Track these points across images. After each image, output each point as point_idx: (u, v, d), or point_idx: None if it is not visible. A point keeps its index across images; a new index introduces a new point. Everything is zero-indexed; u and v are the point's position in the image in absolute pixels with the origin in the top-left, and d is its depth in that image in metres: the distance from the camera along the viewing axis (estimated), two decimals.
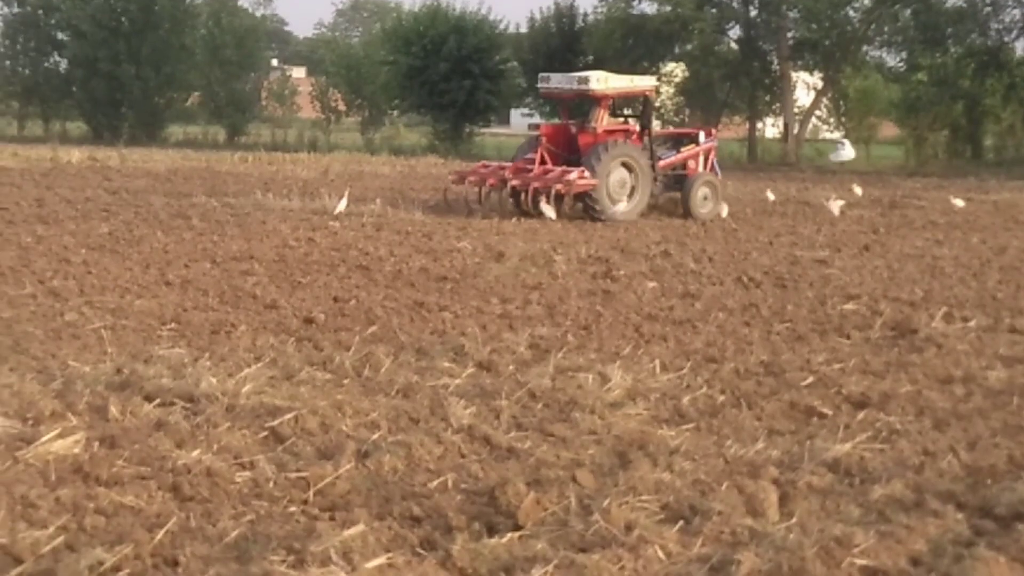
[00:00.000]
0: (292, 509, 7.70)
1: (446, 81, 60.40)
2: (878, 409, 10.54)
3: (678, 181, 29.25)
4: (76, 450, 8.45)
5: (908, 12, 56.68)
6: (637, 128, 28.98)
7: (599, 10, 64.67)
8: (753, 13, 60.93)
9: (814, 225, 26.98)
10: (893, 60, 60.45)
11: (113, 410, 9.54)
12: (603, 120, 28.47)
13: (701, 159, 29.96)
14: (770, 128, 68.42)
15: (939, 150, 56.99)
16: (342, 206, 26.64)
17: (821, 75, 61.62)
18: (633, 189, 27.80)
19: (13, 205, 26.61)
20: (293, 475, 8.21)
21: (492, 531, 7.32)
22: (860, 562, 6.83)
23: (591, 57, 62.98)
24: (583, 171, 26.95)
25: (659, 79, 64.92)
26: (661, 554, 6.88)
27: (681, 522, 7.42)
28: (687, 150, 29.91)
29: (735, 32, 62.30)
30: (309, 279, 17.34)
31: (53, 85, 78.37)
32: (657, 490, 7.96)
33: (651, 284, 17.57)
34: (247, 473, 8.26)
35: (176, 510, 7.54)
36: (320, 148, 61.81)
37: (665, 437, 9.44)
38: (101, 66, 71.57)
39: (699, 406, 10.62)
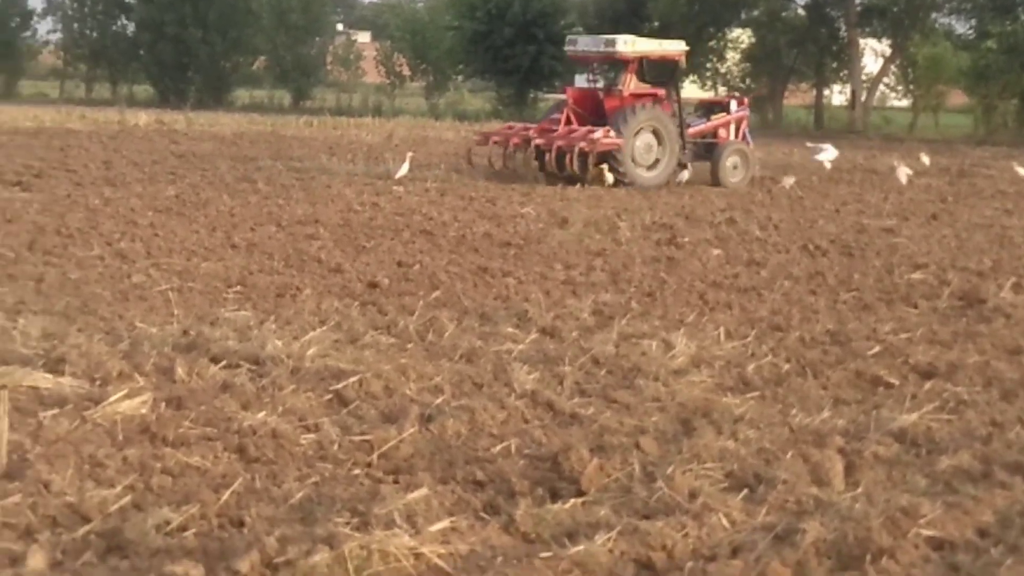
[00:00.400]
0: (356, 472, 7.72)
1: (510, 46, 60.33)
2: (945, 379, 10.46)
3: (708, 149, 28.97)
4: (143, 411, 8.50)
5: None
6: (665, 94, 28.56)
7: None
8: None
9: (881, 193, 26.80)
10: (962, 27, 60.13)
11: (180, 371, 9.59)
12: (630, 84, 28.11)
13: (732, 127, 29.66)
14: (837, 95, 67.93)
15: (1009, 119, 56.30)
16: (404, 170, 26.63)
17: (889, 42, 61.15)
18: (659, 155, 27.54)
19: (81, 168, 26.79)
20: (357, 438, 8.23)
21: (555, 496, 7.32)
22: (926, 533, 6.78)
23: (656, 23, 62.67)
24: (608, 130, 26.76)
25: (725, 45, 64.76)
26: (725, 522, 6.86)
27: (745, 490, 7.39)
28: (717, 118, 29.66)
29: None
30: (373, 243, 17.37)
31: (121, 48, 78.82)
32: (721, 458, 7.93)
33: (716, 251, 17.50)
34: (312, 435, 8.29)
35: (241, 471, 7.57)
36: (384, 113, 61.97)
37: (729, 405, 9.40)
38: (168, 30, 71.91)
39: (764, 374, 10.57)
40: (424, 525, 6.60)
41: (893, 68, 62.13)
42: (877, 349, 11.49)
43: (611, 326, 12.05)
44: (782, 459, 7.95)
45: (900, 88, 65.20)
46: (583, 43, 29.85)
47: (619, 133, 26.78)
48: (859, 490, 7.53)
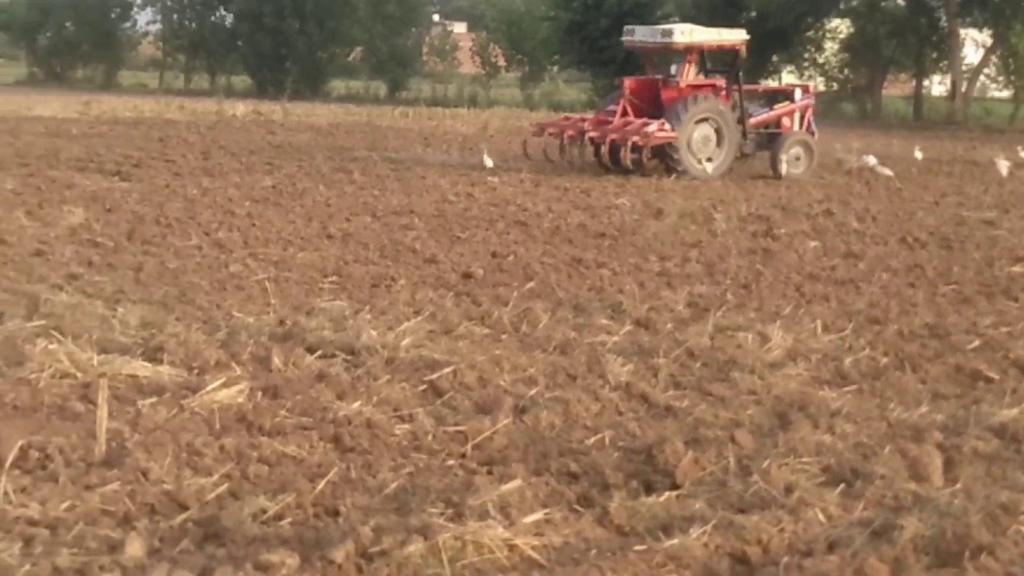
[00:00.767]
0: (450, 463, 7.73)
1: (606, 37, 60.13)
2: None
3: (772, 139, 28.40)
4: (240, 400, 8.57)
5: None
6: (724, 84, 28.04)
7: None
8: None
9: (981, 185, 26.53)
10: None
11: (276, 361, 9.64)
12: (688, 74, 27.67)
13: (796, 117, 29.00)
14: (937, 86, 67.22)
15: None
16: (489, 163, 26.70)
17: (990, 32, 60.40)
18: (718, 146, 27.10)
19: (180, 158, 27.06)
20: (451, 429, 8.25)
21: (649, 489, 7.29)
22: None
23: (754, 13, 62.43)
24: (663, 123, 26.35)
25: (823, 35, 64.27)
26: (821, 517, 6.81)
27: (842, 485, 7.32)
28: (780, 107, 29.01)
29: None
30: (468, 234, 17.40)
31: (219, 39, 79.53)
32: (818, 452, 7.87)
33: (813, 243, 17.37)
34: (406, 426, 8.31)
35: (337, 461, 7.60)
36: (480, 103, 62.14)
37: (826, 399, 9.32)
38: (266, 21, 72.42)
39: (861, 368, 10.47)
40: (518, 517, 6.60)
41: (994, 58, 61.31)
42: (977, 343, 11.36)
43: (706, 318, 12.00)
44: (879, 454, 7.88)
45: (1001, 79, 64.28)
46: (640, 33, 29.28)
47: (675, 125, 26.38)
48: (958, 486, 7.45)
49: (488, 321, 11.71)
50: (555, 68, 74.51)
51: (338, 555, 6.03)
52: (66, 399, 8.49)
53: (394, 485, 7.21)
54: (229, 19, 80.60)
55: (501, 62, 78.54)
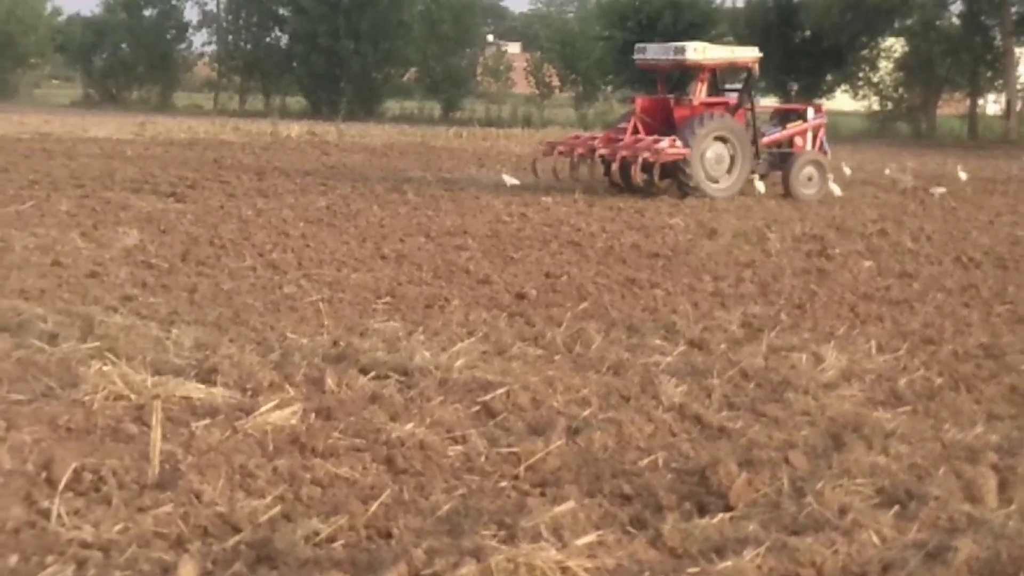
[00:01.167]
0: (503, 484, 7.72)
1: None
2: None
3: (784, 159, 28.06)
4: (293, 421, 8.57)
5: None
6: (737, 102, 27.73)
7: None
8: None
9: None
10: None
11: (329, 382, 9.65)
12: (701, 92, 27.42)
13: (809, 136, 28.72)
14: (991, 105, 66.92)
15: None
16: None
17: None
18: (731, 165, 26.74)
19: (234, 179, 27.21)
20: (504, 450, 8.24)
21: (703, 511, 7.26)
22: None
23: (808, 32, 62.38)
24: (674, 140, 26.04)
25: (877, 54, 64.08)
26: (876, 539, 6.76)
27: (897, 506, 7.27)
28: (793, 126, 28.75)
29: (957, 6, 61.14)
30: (521, 254, 17.41)
31: (274, 60, 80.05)
32: (872, 473, 7.82)
33: (867, 263, 17.30)
34: (459, 447, 8.31)
35: (390, 482, 7.60)
36: (534, 123, 62.20)
37: (881, 420, 9.27)
38: (321, 41, 72.84)
39: (916, 388, 10.41)
40: (571, 539, 6.58)
41: None
42: None
43: (760, 339, 11.96)
44: (934, 475, 7.82)
45: None
46: (652, 51, 29.02)
47: (687, 143, 26.07)
48: (1013, 507, 7.39)
49: (541, 342, 11.69)
50: (609, 88, 74.50)
51: None
52: (120, 421, 8.52)
53: (447, 507, 7.21)
54: (284, 40, 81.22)
55: (555, 82, 78.61)
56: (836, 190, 27.51)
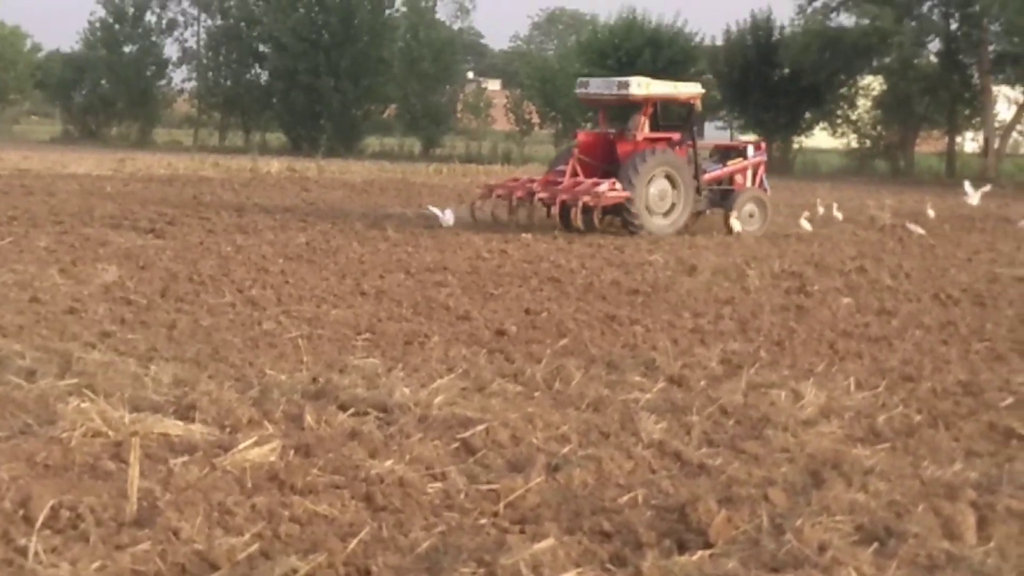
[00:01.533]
0: (483, 521, 7.70)
1: None
2: None
3: (724, 196, 27.94)
4: (272, 458, 8.55)
5: None
6: (679, 138, 27.52)
7: (796, 23, 64.39)
8: (954, 27, 59.99)
9: (1014, 242, 26.44)
10: None
11: (308, 419, 9.64)
12: (644, 127, 27.15)
13: (749, 173, 28.62)
14: (969, 142, 67.23)
15: None
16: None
17: (1023, 89, 60.40)
18: (674, 201, 26.51)
19: (214, 215, 27.21)
20: (484, 487, 8.22)
21: (682, 548, 7.25)
22: None
23: (787, 70, 62.70)
24: (614, 183, 25.74)
25: (856, 92, 64.36)
26: (855, 575, 6.77)
27: (876, 544, 7.27)
28: (734, 164, 28.62)
29: (935, 45, 61.44)
30: (501, 291, 17.42)
31: (254, 96, 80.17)
32: (851, 510, 7.82)
33: (846, 300, 17.32)
34: (439, 484, 8.29)
35: (369, 520, 7.58)
36: (514, 160, 62.34)
37: (860, 456, 9.27)
38: (301, 78, 73.00)
39: (895, 425, 10.42)
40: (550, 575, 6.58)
41: None
42: (1010, 400, 11.30)
43: (739, 375, 11.97)
44: (913, 512, 7.82)
45: None
46: (595, 85, 28.80)
47: (631, 179, 25.80)
48: (991, 544, 7.40)
49: (521, 378, 11.69)
50: (588, 125, 74.70)
51: None
52: (98, 458, 8.50)
53: (426, 544, 7.19)
54: (264, 76, 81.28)
55: (535, 119, 78.82)
56: (807, 226, 27.55)
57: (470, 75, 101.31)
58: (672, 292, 17.71)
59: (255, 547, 7.00)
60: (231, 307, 15.39)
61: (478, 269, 19.59)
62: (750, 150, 29.24)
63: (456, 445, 9.24)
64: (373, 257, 20.69)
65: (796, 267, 20.90)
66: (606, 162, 27.23)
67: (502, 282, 18.26)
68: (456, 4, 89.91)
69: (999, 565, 6.89)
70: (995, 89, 60.47)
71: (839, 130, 67.18)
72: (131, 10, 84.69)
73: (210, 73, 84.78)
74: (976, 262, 22.63)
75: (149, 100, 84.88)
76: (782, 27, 66.13)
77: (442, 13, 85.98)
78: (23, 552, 6.72)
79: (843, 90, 65.98)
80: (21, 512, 7.28)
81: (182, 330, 13.69)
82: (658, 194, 26.33)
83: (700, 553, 7.08)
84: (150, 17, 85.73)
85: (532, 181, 27.60)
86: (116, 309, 14.92)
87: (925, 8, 60.68)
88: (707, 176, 27.82)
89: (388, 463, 8.53)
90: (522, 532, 7.46)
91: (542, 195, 26.50)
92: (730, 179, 28.53)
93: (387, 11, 77.30)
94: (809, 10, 62.95)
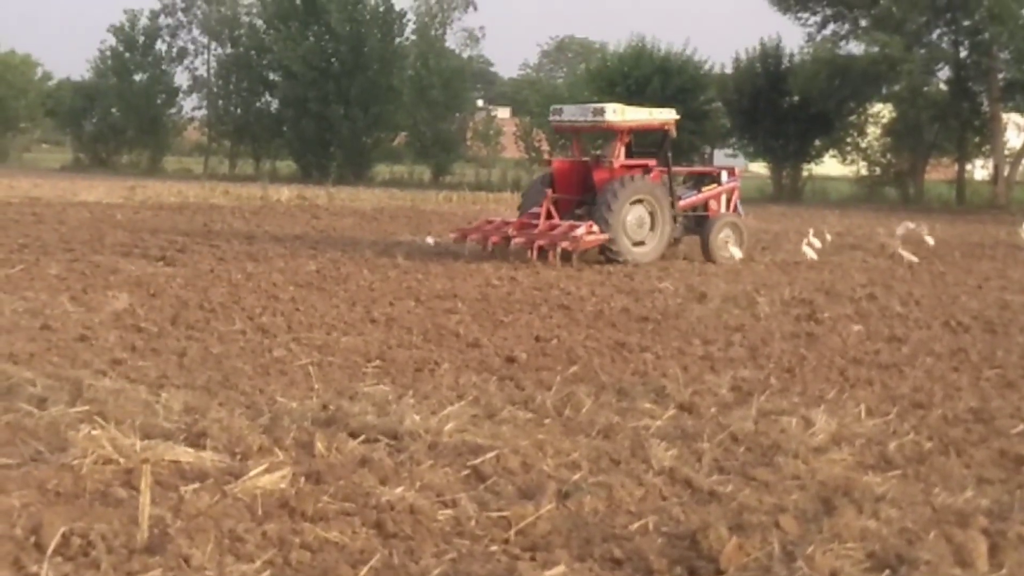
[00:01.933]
0: (493, 548, 7.70)
1: None
2: None
3: (699, 222, 27.71)
4: (283, 485, 8.55)
5: None
6: (656, 165, 27.21)
7: (805, 51, 64.35)
8: (963, 54, 59.97)
9: None
10: None
11: (319, 446, 9.64)
12: (620, 154, 26.87)
13: (723, 199, 28.42)
14: (979, 170, 67.19)
15: None
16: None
17: None
18: (652, 229, 26.22)
19: (224, 242, 27.24)
20: (494, 514, 8.22)
21: (693, 575, 7.24)
22: None
23: (796, 97, 62.73)
24: (591, 225, 25.25)
25: (865, 120, 64.36)
26: None
27: (887, 571, 7.26)
28: (708, 190, 28.39)
29: (944, 73, 61.38)
30: (511, 318, 17.42)
31: (264, 125, 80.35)
32: (863, 538, 7.81)
33: (856, 327, 17.30)
34: (449, 511, 8.29)
35: (379, 547, 7.58)
36: (523, 188, 62.19)
37: (871, 484, 9.26)
38: (311, 106, 73.16)
39: (906, 452, 10.40)
40: None
41: None
42: (1021, 427, 11.28)
43: (750, 402, 11.95)
44: (924, 539, 7.81)
45: None
46: (569, 112, 28.41)
47: (609, 207, 25.43)
48: (1003, 571, 7.39)
49: (531, 405, 11.68)
50: (598, 152, 74.68)
51: None
52: (109, 485, 8.51)
53: (436, 571, 7.19)
54: (274, 105, 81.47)
55: (545, 146, 78.89)
56: (811, 254, 27.53)
57: (480, 103, 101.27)
58: (682, 319, 17.71)
59: (266, 574, 7.01)
60: (242, 334, 15.40)
61: (488, 296, 19.60)
62: (724, 175, 28.93)
63: (467, 472, 9.23)
64: (383, 284, 20.71)
65: (806, 294, 20.88)
66: (581, 190, 26.97)
67: (512, 309, 18.26)
68: (466, 32, 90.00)
69: None
70: (1005, 117, 60.46)
71: (849, 157, 67.21)
72: (142, 38, 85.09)
73: (220, 101, 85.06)
74: (986, 289, 22.61)
75: (159, 128, 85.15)
76: (791, 55, 66.23)
77: (452, 41, 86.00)
78: None
79: (852, 118, 65.99)
80: (33, 539, 7.28)
81: (193, 357, 13.70)
82: (636, 222, 26.01)
83: None
84: (160, 45, 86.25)
85: (507, 223, 26.94)
86: (127, 337, 14.94)
87: (935, 36, 60.69)
88: (682, 202, 27.56)
89: (399, 490, 8.53)
90: (533, 559, 7.45)
91: (519, 240, 25.76)
92: (705, 205, 28.32)
93: (397, 39, 77.56)
94: (818, 38, 63.04)
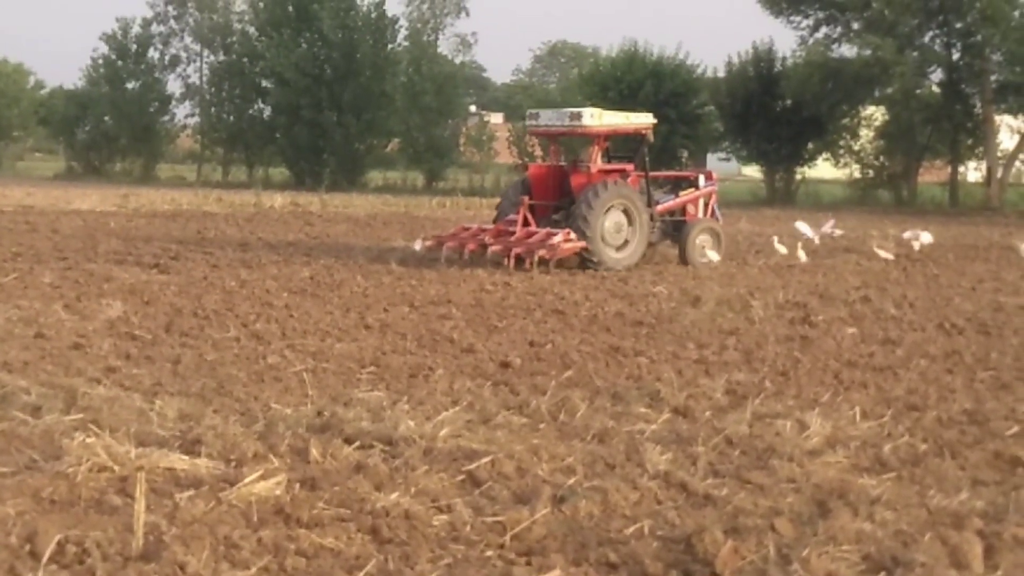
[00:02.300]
0: (489, 553, 7.70)
1: None
2: None
3: (676, 227, 27.58)
4: (278, 491, 8.55)
5: None
6: (633, 169, 26.97)
7: (798, 54, 64.35)
8: (956, 56, 60.04)
9: (1018, 271, 26.44)
10: None
11: (314, 452, 9.64)
12: (597, 159, 26.65)
13: (701, 204, 28.28)
14: (972, 172, 67.25)
15: None
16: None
17: None
18: (629, 234, 25.94)
19: (218, 250, 27.24)
20: (490, 519, 8.21)
21: None
22: None
23: (789, 101, 62.78)
24: (568, 233, 25.01)
25: (858, 123, 64.41)
26: None
27: (883, 573, 7.26)
28: (686, 194, 28.23)
29: (937, 75, 61.44)
30: (505, 323, 17.42)
31: (257, 132, 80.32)
32: (858, 540, 7.81)
33: (851, 330, 17.32)
34: (444, 516, 8.29)
35: (375, 553, 7.58)
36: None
37: (866, 486, 9.26)
38: (304, 113, 73.16)
39: (901, 455, 10.40)
40: None
41: None
42: (1016, 429, 11.28)
43: (744, 406, 11.95)
44: (920, 541, 7.81)
45: None
46: (546, 117, 28.11)
47: (586, 212, 25.19)
48: (999, 573, 7.39)
49: (526, 410, 11.68)
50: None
51: None
52: (103, 493, 8.50)
53: None
54: (267, 112, 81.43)
55: (538, 152, 78.91)
56: (803, 256, 27.59)
57: (472, 108, 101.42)
58: (676, 323, 17.71)
59: None
60: (236, 341, 15.40)
61: (482, 302, 19.60)
62: (701, 180, 28.77)
63: (462, 477, 9.23)
64: (377, 291, 20.71)
65: (800, 297, 20.89)
66: (559, 195, 26.75)
67: (506, 315, 18.27)
68: (458, 38, 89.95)
69: None
70: (997, 118, 60.50)
71: (842, 160, 67.25)
72: (134, 47, 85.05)
73: (213, 108, 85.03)
74: (980, 291, 22.63)
75: (152, 136, 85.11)
76: (784, 58, 66.21)
77: (444, 47, 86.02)
78: None
79: (845, 120, 66.03)
80: (27, 547, 7.28)
81: (187, 365, 13.70)
82: (613, 227, 25.72)
83: None
84: (153, 53, 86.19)
85: (483, 230, 26.77)
86: (121, 344, 14.94)
87: (927, 38, 60.75)
88: (660, 207, 27.33)
89: (394, 496, 8.53)
90: (528, 564, 7.45)
91: (496, 248, 25.53)
92: (682, 210, 28.20)
93: (389, 46, 77.54)
94: (811, 41, 63.04)
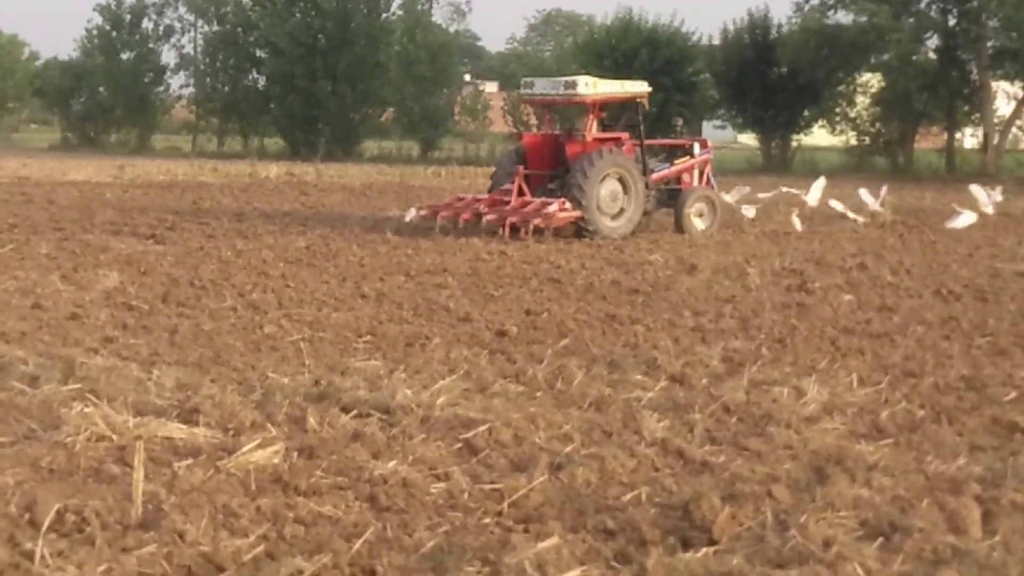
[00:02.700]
0: (486, 521, 7.71)
1: None
2: None
3: (672, 195, 27.44)
4: (275, 460, 8.56)
5: None
6: (629, 138, 26.92)
7: (793, 20, 64.09)
8: (952, 22, 59.87)
9: (1015, 237, 26.44)
10: None
11: (311, 421, 9.65)
12: (592, 128, 26.55)
13: (696, 172, 28.15)
14: (969, 138, 67.13)
15: None
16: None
17: (1022, 84, 60.38)
18: (625, 203, 25.80)
19: (214, 220, 27.21)
20: (487, 487, 8.23)
21: (687, 545, 7.25)
22: None
23: (784, 68, 62.63)
24: (563, 202, 24.96)
25: (854, 90, 64.31)
26: (860, 571, 6.76)
27: (881, 539, 7.27)
28: (681, 162, 28.10)
29: (933, 42, 61.29)
30: (501, 292, 17.42)
31: (251, 102, 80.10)
32: (855, 506, 7.82)
33: (847, 297, 17.32)
34: (442, 484, 8.30)
35: (373, 520, 7.59)
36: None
37: (863, 452, 9.27)
38: (298, 83, 72.94)
39: (898, 421, 10.42)
40: (555, 574, 6.58)
41: None
42: (1013, 395, 11.30)
43: (741, 373, 11.96)
44: (917, 507, 7.81)
45: None
46: (541, 86, 28.04)
47: (582, 181, 25.05)
48: (997, 538, 7.39)
49: (523, 379, 11.69)
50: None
51: None
52: (102, 462, 8.51)
53: (430, 544, 7.20)
54: (262, 82, 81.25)
55: (533, 120, 78.79)
56: (797, 224, 27.58)
57: (467, 77, 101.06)
58: (673, 291, 17.71)
59: (260, 549, 7.01)
60: (232, 311, 15.40)
61: (478, 271, 19.59)
62: (696, 148, 28.60)
63: (459, 446, 9.25)
64: (373, 260, 20.71)
65: (797, 264, 20.89)
66: (554, 165, 26.64)
67: (502, 283, 18.27)
68: (452, 7, 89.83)
69: (1004, 559, 6.89)
70: (994, 85, 60.40)
71: (838, 127, 67.11)
72: (128, 17, 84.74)
73: (207, 79, 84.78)
74: (977, 257, 22.63)
75: (147, 106, 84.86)
76: (779, 25, 65.99)
77: (438, 16, 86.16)
78: (29, 556, 6.73)
79: (841, 87, 65.88)
80: (27, 516, 7.29)
81: (184, 334, 13.71)
82: (609, 195, 25.60)
83: (704, 550, 7.08)
84: (147, 24, 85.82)
85: (477, 200, 26.68)
86: (118, 315, 14.94)
87: (923, 4, 60.53)
88: (655, 175, 27.22)
89: (391, 464, 8.54)
90: (526, 531, 7.46)
91: (490, 217, 25.47)
92: (678, 178, 28.09)
93: (383, 15, 77.25)
94: (806, 8, 62.75)
